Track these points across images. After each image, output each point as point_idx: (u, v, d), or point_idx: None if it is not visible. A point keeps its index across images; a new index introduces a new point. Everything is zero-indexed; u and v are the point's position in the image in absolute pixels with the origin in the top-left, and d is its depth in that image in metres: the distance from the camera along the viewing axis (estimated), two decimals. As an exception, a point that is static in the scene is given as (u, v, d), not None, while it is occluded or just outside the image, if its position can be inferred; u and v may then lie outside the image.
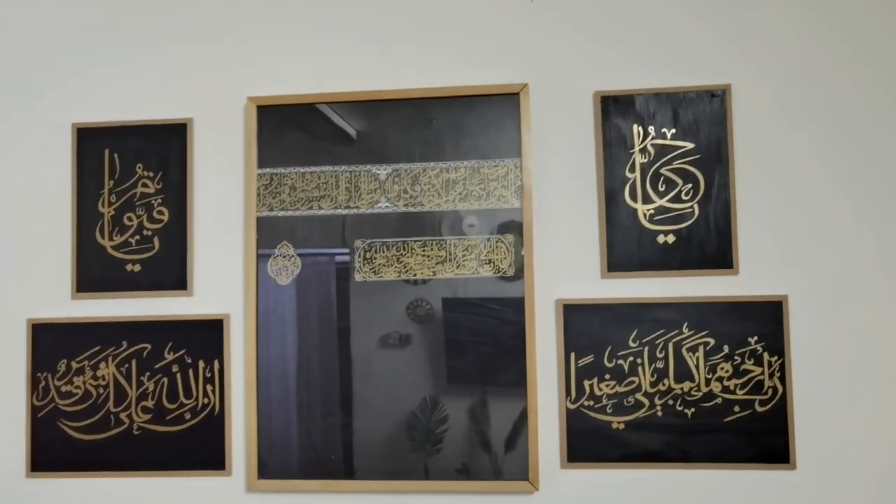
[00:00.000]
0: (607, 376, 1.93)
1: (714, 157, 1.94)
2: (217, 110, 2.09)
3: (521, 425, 1.93)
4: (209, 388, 2.03)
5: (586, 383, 1.94)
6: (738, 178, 1.94)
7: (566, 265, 1.97)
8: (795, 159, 1.93)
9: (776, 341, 1.89)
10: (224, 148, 2.08)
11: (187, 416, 2.03)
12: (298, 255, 2.03)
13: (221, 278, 2.06)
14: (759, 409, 1.89)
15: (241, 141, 2.07)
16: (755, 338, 1.90)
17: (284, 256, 2.03)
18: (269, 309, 2.03)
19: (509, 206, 1.97)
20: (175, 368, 2.05)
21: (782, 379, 1.89)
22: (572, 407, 1.94)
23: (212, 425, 2.03)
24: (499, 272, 1.97)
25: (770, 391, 1.89)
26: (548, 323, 1.96)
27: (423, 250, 1.99)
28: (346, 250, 2.00)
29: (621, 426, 1.92)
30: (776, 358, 1.89)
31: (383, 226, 2.01)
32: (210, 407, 2.03)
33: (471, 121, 2.00)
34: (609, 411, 1.93)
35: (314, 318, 2.02)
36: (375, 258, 2.00)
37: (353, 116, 2.03)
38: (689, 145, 1.95)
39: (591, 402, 1.93)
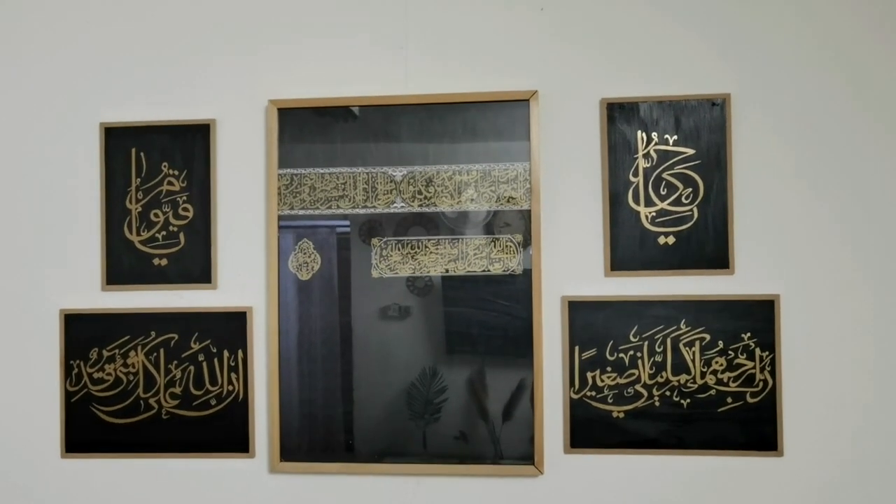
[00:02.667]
0: (609, 369, 2.06)
1: (713, 163, 2.04)
2: (239, 112, 2.18)
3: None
4: (233, 376, 2.15)
5: (589, 375, 2.06)
6: (736, 183, 2.04)
7: (572, 264, 2.08)
8: (791, 166, 2.04)
9: (768, 337, 2.02)
10: (246, 148, 2.17)
11: (213, 402, 2.16)
12: (316, 249, 2.13)
13: (245, 272, 2.17)
14: (750, 400, 2.02)
15: (262, 141, 2.17)
16: (748, 334, 2.02)
17: (305, 253, 2.14)
18: (290, 302, 2.14)
19: (519, 207, 2.08)
20: (201, 357, 2.16)
21: (772, 373, 2.02)
22: (576, 397, 2.06)
23: (236, 411, 2.15)
24: (507, 270, 2.08)
25: (761, 384, 2.02)
26: (554, 319, 2.08)
27: (437, 248, 2.10)
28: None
29: (621, 415, 2.05)
30: (767, 353, 2.02)
31: (399, 224, 2.11)
32: (234, 394, 2.15)
33: (483, 125, 2.10)
34: (610, 401, 2.05)
35: (331, 309, 2.13)
36: (391, 255, 2.11)
37: (371, 119, 2.13)
38: (690, 151, 2.05)
39: (594, 393, 2.06)
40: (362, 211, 2.13)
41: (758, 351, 2.02)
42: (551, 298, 2.08)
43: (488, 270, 2.09)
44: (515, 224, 2.08)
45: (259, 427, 2.15)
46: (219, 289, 2.17)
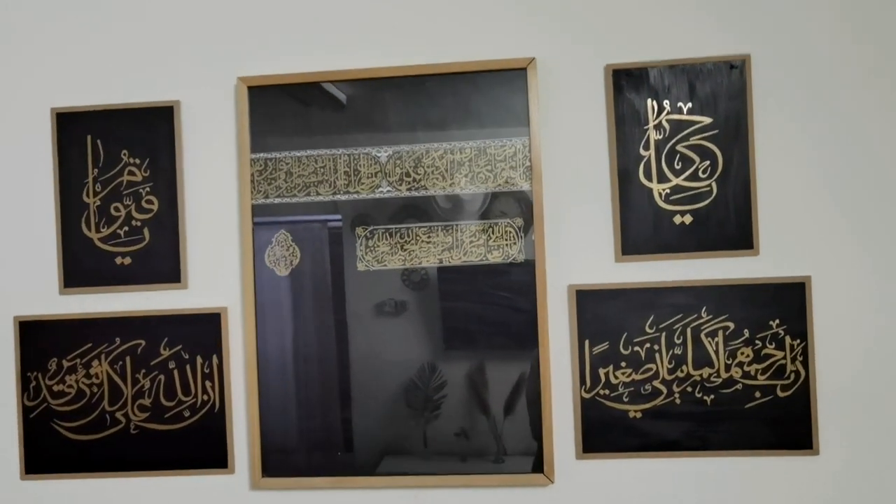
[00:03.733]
0: (623, 364, 1.86)
1: (733, 133, 1.84)
2: (206, 92, 1.97)
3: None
4: (208, 384, 1.95)
5: (601, 371, 1.86)
6: (759, 155, 1.84)
7: (578, 249, 1.88)
8: (818, 134, 1.83)
9: (798, 324, 1.82)
10: (214, 132, 1.96)
11: (186, 413, 1.95)
12: (295, 242, 1.93)
13: (217, 270, 1.96)
14: (780, 394, 1.82)
15: (232, 124, 1.95)
16: (776, 321, 1.83)
17: (282, 246, 1.93)
18: (268, 301, 1.93)
19: (518, 188, 1.88)
20: (171, 365, 1.96)
21: (805, 363, 1.82)
22: (587, 396, 1.87)
23: (212, 422, 1.95)
24: (507, 258, 1.88)
25: (792, 376, 1.82)
26: (560, 310, 1.88)
27: (428, 237, 1.90)
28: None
29: (638, 415, 1.85)
30: (798, 341, 1.82)
31: (385, 211, 1.91)
32: (210, 404, 1.95)
33: (476, 98, 1.89)
34: (625, 400, 1.86)
35: (314, 307, 1.92)
36: (378, 246, 1.90)
37: (351, 95, 1.92)
38: (707, 120, 1.85)
39: (607, 391, 1.86)
40: (344, 197, 1.92)
41: (788, 339, 1.82)
42: (557, 288, 1.88)
43: (486, 259, 1.88)
44: (515, 207, 1.88)
45: (238, 440, 1.95)
46: (189, 289, 1.96)
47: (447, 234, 1.89)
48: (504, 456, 1.87)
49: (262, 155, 1.93)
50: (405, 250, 1.90)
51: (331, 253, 1.92)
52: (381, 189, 1.91)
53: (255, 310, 1.93)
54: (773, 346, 1.83)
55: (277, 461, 1.92)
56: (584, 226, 1.88)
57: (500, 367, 1.87)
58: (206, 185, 1.96)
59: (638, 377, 1.85)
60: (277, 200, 1.93)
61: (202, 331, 1.95)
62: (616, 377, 1.86)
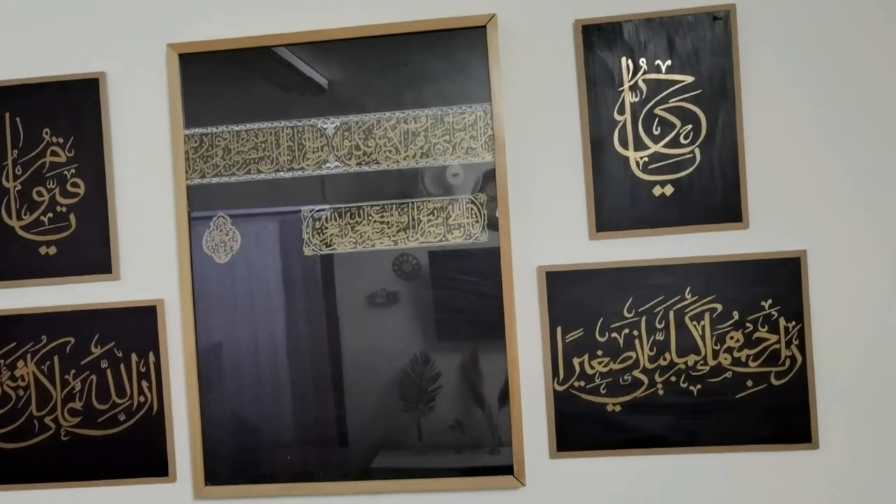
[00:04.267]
0: (599, 352, 1.67)
1: (718, 93, 1.65)
2: (134, 62, 1.78)
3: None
4: (145, 384, 1.77)
5: (576, 361, 1.68)
6: (747, 117, 1.65)
7: (548, 226, 1.69)
8: (814, 91, 1.64)
9: (793, 304, 1.63)
10: (145, 106, 1.78)
11: (121, 417, 1.78)
12: (237, 227, 1.74)
13: (152, 259, 1.78)
14: (775, 382, 1.64)
15: (164, 97, 1.76)
16: (769, 301, 1.64)
17: (221, 230, 1.75)
18: (207, 292, 1.75)
19: (479, 159, 1.69)
20: (104, 364, 1.78)
21: (801, 347, 1.63)
22: (561, 389, 1.68)
23: (150, 426, 1.77)
24: (469, 238, 1.69)
25: (787, 362, 1.64)
26: (529, 294, 1.69)
27: (381, 216, 1.71)
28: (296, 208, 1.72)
29: (618, 408, 1.67)
30: (794, 324, 1.64)
31: (333, 189, 1.72)
32: (147, 406, 1.77)
33: (432, 61, 1.70)
34: (603, 392, 1.67)
35: (257, 297, 1.74)
36: (326, 228, 1.72)
37: (294, 61, 1.73)
38: (688, 79, 1.66)
39: (583, 383, 1.68)
40: (288, 174, 1.73)
41: (782, 321, 1.64)
42: (525, 270, 1.69)
43: (446, 240, 1.70)
44: (477, 180, 1.69)
45: (180, 445, 1.77)
46: (122, 280, 1.78)
47: (402, 212, 1.70)
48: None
49: (197, 130, 1.75)
50: (356, 232, 1.71)
51: (273, 235, 1.73)
52: (328, 165, 1.72)
53: (194, 302, 1.75)
54: (766, 329, 1.64)
55: (223, 468, 1.74)
56: (554, 200, 1.69)
57: (449, 357, 1.69)
58: (137, 165, 1.78)
59: (616, 367, 1.67)
60: (215, 180, 1.74)
61: (136, 326, 1.77)
62: (592, 367, 1.68)
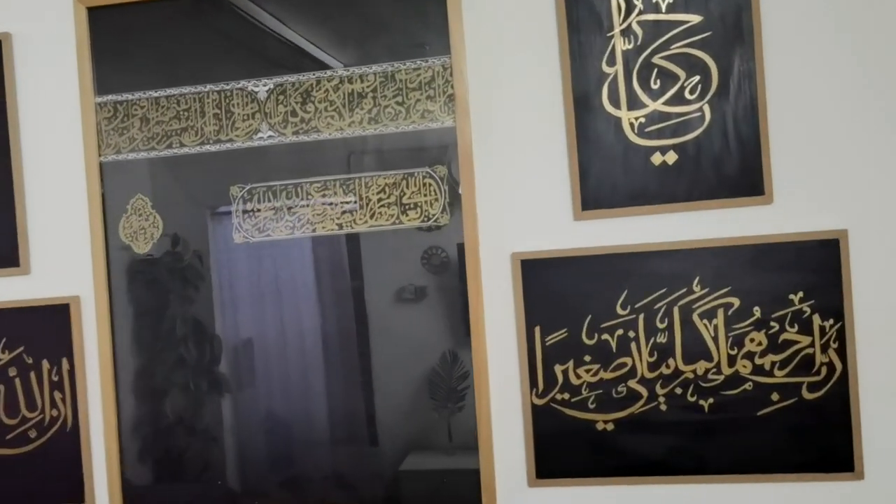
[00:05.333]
0: (587, 358, 1.36)
1: (732, 35, 1.32)
2: (40, 18, 1.52)
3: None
4: (57, 395, 1.52)
5: (558, 369, 1.37)
6: (769, 64, 1.32)
7: (523, 204, 1.39)
8: (853, 32, 1.30)
9: (831, 298, 1.30)
10: (51, 71, 1.52)
11: (32, 433, 1.53)
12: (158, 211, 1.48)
13: (65, 250, 1.53)
14: (807, 395, 1.31)
15: (72, 59, 1.51)
16: (800, 294, 1.31)
17: (140, 214, 1.48)
18: (126, 287, 1.49)
19: (438, 124, 1.39)
20: (12, 372, 1.54)
21: (841, 352, 1.30)
22: (540, 402, 1.38)
23: (64, 444, 1.52)
24: (428, 220, 1.39)
25: (824, 370, 1.31)
26: (501, 287, 1.39)
27: (323, 195, 1.42)
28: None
29: (609, 426, 1.36)
30: (831, 322, 1.30)
31: (267, 164, 1.44)
32: (61, 420, 1.52)
33: (380, 6, 1.40)
34: (592, 406, 1.37)
35: (182, 291, 1.48)
36: (259, 210, 1.44)
37: (219, 13, 1.45)
38: (695, 19, 1.33)
39: (567, 395, 1.37)
40: (214, 147, 1.46)
41: (816, 319, 1.31)
42: (495, 257, 1.39)
43: (400, 223, 1.40)
44: (436, 150, 1.39)
45: (97, 465, 1.52)
46: (32, 274, 1.54)
47: (348, 190, 1.42)
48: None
49: (110, 98, 1.48)
50: (293, 214, 1.43)
51: (200, 221, 1.47)
52: (259, 135, 1.44)
53: (110, 299, 1.49)
54: (796, 328, 1.31)
55: (143, 494, 1.48)
56: (530, 172, 1.39)
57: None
58: (48, 140, 1.53)
59: (608, 376, 1.36)
60: (132, 156, 1.48)
61: (48, 328, 1.52)
62: (578, 376, 1.37)
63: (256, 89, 1.44)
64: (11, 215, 1.53)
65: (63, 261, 1.52)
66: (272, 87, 1.44)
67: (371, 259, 1.42)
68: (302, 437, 1.45)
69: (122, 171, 1.48)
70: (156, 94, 1.47)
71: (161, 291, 1.48)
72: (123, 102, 1.48)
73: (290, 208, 1.43)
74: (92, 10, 1.48)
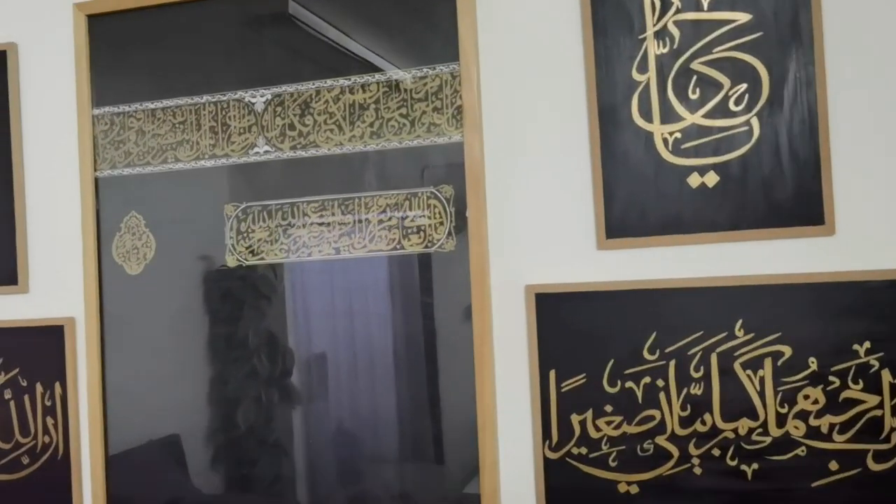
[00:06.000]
0: (609, 408, 1.18)
1: (787, 35, 1.12)
2: (39, 27, 1.47)
3: None
4: (49, 421, 1.45)
5: (575, 419, 1.20)
6: (832, 70, 1.11)
7: (540, 231, 1.23)
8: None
9: (905, 350, 1.08)
10: (51, 81, 1.46)
11: (25, 459, 1.47)
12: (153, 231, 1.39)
13: (62, 269, 1.46)
14: (874, 466, 1.09)
15: (70, 70, 1.44)
16: (866, 344, 1.10)
17: (134, 233, 1.40)
18: (119, 309, 1.41)
19: (445, 139, 1.24)
20: (7, 394, 1.48)
21: (917, 416, 1.08)
22: (554, 456, 1.21)
23: (56, 472, 1.45)
24: (432, 246, 1.25)
25: (895, 437, 1.08)
26: (512, 324, 1.23)
27: (321, 216, 1.30)
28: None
29: (634, 489, 1.17)
30: (905, 379, 1.08)
31: (263, 181, 1.33)
32: (52, 447, 1.45)
33: (383, 11, 1.27)
34: (613, 464, 1.18)
35: (176, 316, 1.38)
36: (253, 231, 1.33)
37: (216, 21, 1.35)
38: (743, 17, 1.14)
39: (584, 450, 1.19)
40: (209, 163, 1.35)
41: (886, 375, 1.09)
42: (507, 290, 1.23)
43: (401, 248, 1.26)
44: (443, 168, 1.25)
45: (88, 496, 1.43)
46: (30, 293, 1.48)
47: (346, 210, 1.28)
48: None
49: (107, 109, 1.41)
50: (289, 237, 1.31)
51: (192, 240, 1.37)
52: (256, 150, 1.33)
53: (101, 321, 1.41)
54: (861, 385, 1.10)
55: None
56: (548, 194, 1.22)
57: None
58: (47, 154, 1.47)
59: (632, 430, 1.18)
60: (127, 171, 1.40)
61: (43, 349, 1.46)
62: (598, 428, 1.19)
63: (254, 100, 1.33)
64: (11, 231, 1.47)
65: (60, 280, 1.45)
66: (270, 97, 1.32)
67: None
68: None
69: (117, 187, 1.40)
70: (152, 106, 1.38)
71: (150, 315, 1.38)
72: (120, 114, 1.40)
73: (285, 230, 1.31)
74: (92, 18, 1.41)
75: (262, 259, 1.32)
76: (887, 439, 1.09)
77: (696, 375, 1.15)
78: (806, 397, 1.11)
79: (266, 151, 1.32)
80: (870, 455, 1.09)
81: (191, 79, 1.36)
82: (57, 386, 1.45)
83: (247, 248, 1.33)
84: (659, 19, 1.17)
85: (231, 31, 1.34)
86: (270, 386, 1.33)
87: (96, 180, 1.41)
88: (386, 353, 1.28)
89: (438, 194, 1.24)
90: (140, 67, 1.39)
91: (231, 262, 1.34)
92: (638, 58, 1.18)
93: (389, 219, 1.26)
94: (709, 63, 1.15)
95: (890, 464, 1.08)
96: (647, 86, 1.18)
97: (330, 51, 1.30)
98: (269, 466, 1.32)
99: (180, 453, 1.37)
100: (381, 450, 1.28)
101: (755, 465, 1.13)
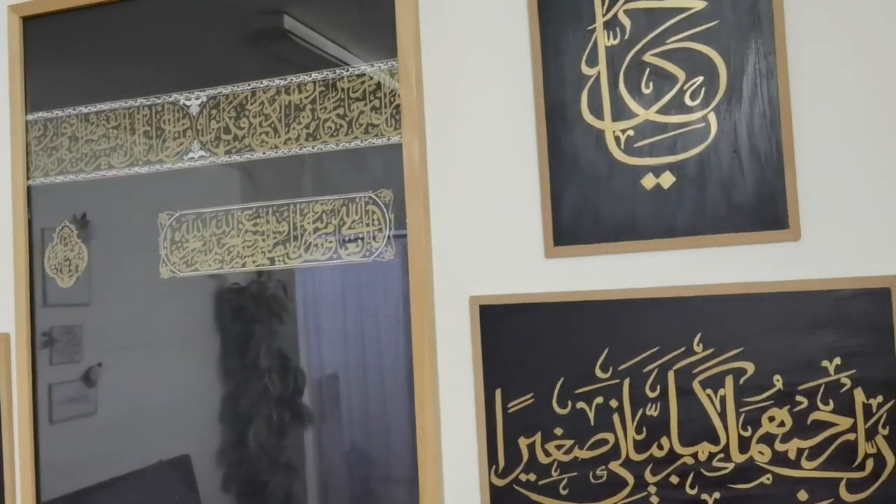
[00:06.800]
0: (559, 431, 1.09)
1: (746, 24, 1.03)
2: (-23, 32, 1.41)
3: None
4: (-18, 442, 1.38)
5: (523, 443, 1.10)
6: (794, 59, 1.02)
7: (485, 237, 1.14)
8: (909, 9, 0.99)
9: (878, 367, 0.98)
10: (-12, 86, 1.40)
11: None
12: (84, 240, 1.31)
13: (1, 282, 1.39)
14: (847, 497, 0.98)
15: (4, 74, 1.38)
16: (836, 360, 0.99)
17: (66, 244, 1.32)
18: (50, 324, 1.33)
19: (383, 140, 1.16)
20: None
21: (894, 439, 0.97)
22: (500, 483, 1.11)
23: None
24: (371, 255, 1.16)
25: (869, 463, 0.98)
26: (454, 339, 1.14)
27: (255, 224, 1.22)
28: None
29: (587, 520, 1.07)
30: (880, 399, 0.98)
31: (198, 188, 1.25)
32: (-15, 471, 1.37)
33: (320, 4, 1.20)
34: (564, 493, 1.08)
35: (110, 333, 1.30)
36: (187, 241, 1.25)
37: (150, 21, 1.29)
38: (698, 5, 1.06)
39: (533, 476, 1.10)
40: (144, 169, 1.28)
41: (859, 395, 0.98)
42: (451, 302, 1.14)
43: (338, 257, 1.18)
44: (382, 172, 1.16)
45: (19, 519, 1.36)
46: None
47: (281, 218, 1.20)
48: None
49: (41, 115, 1.34)
50: (223, 246, 1.23)
51: (124, 250, 1.29)
52: (190, 155, 1.26)
53: (32, 337, 1.33)
54: (832, 406, 0.99)
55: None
56: (493, 198, 1.13)
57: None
58: (-16, 162, 1.40)
59: (584, 455, 1.08)
60: (60, 179, 1.33)
61: (-23, 368, 1.38)
62: (547, 453, 1.09)
63: (189, 103, 1.26)
64: (-54, 243, 1.41)
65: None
66: (205, 99, 1.25)
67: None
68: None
69: (50, 196, 1.34)
70: (85, 111, 1.32)
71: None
72: (53, 120, 1.34)
73: (219, 239, 1.23)
74: (27, 21, 1.35)
75: (197, 270, 1.25)
76: (861, 467, 0.98)
77: (651, 395, 1.05)
78: (771, 419, 1.01)
79: (201, 157, 1.25)
80: (843, 484, 0.98)
81: (125, 81, 1.30)
82: (-11, 406, 1.38)
83: (181, 259, 1.25)
84: (609, 9, 1.09)
85: (167, 30, 1.28)
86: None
87: (28, 189, 1.34)
88: (327, 369, 1.20)
89: (377, 199, 1.16)
90: (74, 71, 1.33)
91: (165, 273, 1.26)
92: (587, 50, 1.10)
93: (326, 226, 1.18)
94: (662, 55, 1.07)
95: (865, 494, 0.97)
96: (598, 80, 1.09)
97: (268, 50, 1.22)
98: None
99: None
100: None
101: (717, 495, 1.02)
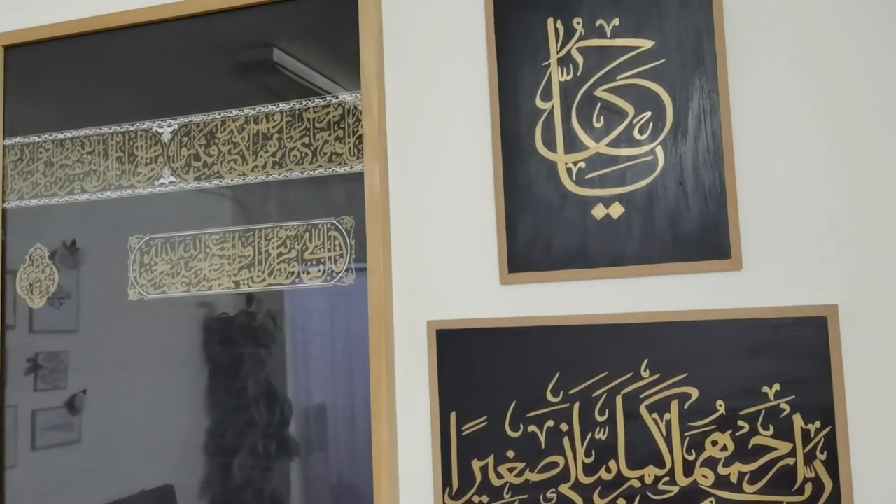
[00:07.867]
0: (511, 454, 1.11)
1: (691, 62, 1.08)
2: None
3: None
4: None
5: (476, 465, 1.12)
6: (736, 97, 1.07)
7: (443, 263, 1.17)
8: (841, 56, 1.04)
9: (816, 394, 1.01)
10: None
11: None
12: (55, 263, 1.34)
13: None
14: (787, 520, 1.01)
15: (-13, 100, 1.42)
16: (775, 387, 1.02)
17: (37, 265, 1.35)
18: (23, 344, 1.36)
19: (346, 169, 1.20)
20: None
21: (831, 466, 1.00)
22: (455, 505, 1.13)
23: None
24: (332, 279, 1.19)
25: (808, 488, 1.00)
26: (412, 363, 1.17)
27: (221, 249, 1.25)
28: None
29: (537, 542, 1.09)
30: (818, 425, 1.00)
31: (167, 212, 1.29)
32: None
33: (287, 36, 1.25)
34: (516, 515, 1.11)
35: (79, 357, 1.33)
36: (156, 264, 1.28)
37: (126, 51, 1.33)
38: (646, 44, 1.10)
39: (486, 498, 1.12)
40: (115, 194, 1.32)
41: (798, 420, 1.01)
42: (410, 326, 1.18)
43: (300, 281, 1.21)
44: (344, 199, 1.20)
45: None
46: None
47: (246, 243, 1.24)
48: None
49: (18, 140, 1.38)
50: (190, 270, 1.26)
51: (95, 274, 1.32)
52: (161, 181, 1.30)
53: (4, 362, 1.35)
54: (771, 431, 1.02)
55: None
56: (452, 227, 1.17)
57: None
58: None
59: (535, 477, 1.10)
60: (34, 202, 1.36)
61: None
62: (499, 475, 1.11)
63: (161, 130, 1.30)
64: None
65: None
66: (177, 127, 1.29)
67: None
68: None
69: (24, 218, 1.37)
70: (61, 136, 1.36)
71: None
72: (30, 145, 1.37)
73: (187, 262, 1.27)
74: (8, 49, 1.39)
75: (164, 293, 1.27)
76: (801, 491, 1.01)
77: (600, 419, 1.08)
78: (714, 443, 1.04)
79: (171, 182, 1.29)
80: (783, 507, 1.01)
81: (100, 109, 1.34)
82: (-42, 425, 1.39)
83: (149, 282, 1.28)
84: (563, 46, 1.14)
85: (141, 60, 1.32)
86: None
87: (3, 211, 1.38)
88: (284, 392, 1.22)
89: (339, 226, 1.20)
90: (52, 97, 1.37)
91: (133, 295, 1.29)
92: (542, 85, 1.14)
93: (289, 251, 1.22)
94: (613, 90, 1.11)
95: (804, 517, 1.00)
96: (552, 114, 1.13)
97: (238, 81, 1.27)
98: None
99: None
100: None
101: (662, 517, 1.05)
